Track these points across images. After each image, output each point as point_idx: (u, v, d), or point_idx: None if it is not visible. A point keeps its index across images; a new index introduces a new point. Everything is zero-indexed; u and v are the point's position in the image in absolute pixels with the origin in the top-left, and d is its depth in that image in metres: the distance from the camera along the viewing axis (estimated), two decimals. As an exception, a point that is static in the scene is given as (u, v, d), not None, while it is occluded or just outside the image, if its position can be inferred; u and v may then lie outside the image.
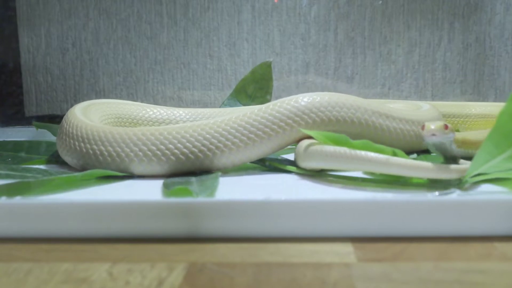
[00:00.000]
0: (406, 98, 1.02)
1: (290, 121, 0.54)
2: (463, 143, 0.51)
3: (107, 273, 0.32)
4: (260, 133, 0.53)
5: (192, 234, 0.37)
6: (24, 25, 1.07)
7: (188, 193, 0.43)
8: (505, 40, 1.01)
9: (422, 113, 0.63)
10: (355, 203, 0.37)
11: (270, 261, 0.33)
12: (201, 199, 0.40)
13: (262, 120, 0.53)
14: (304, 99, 0.55)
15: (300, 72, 1.04)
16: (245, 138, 0.52)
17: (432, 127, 0.44)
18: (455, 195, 0.43)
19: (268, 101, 0.88)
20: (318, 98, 0.55)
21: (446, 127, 0.45)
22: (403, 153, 0.48)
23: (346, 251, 0.35)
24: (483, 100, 1.02)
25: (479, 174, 0.46)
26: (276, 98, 1.03)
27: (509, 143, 0.44)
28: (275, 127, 0.53)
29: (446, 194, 0.43)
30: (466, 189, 0.45)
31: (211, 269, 0.32)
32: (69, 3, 1.06)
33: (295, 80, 1.04)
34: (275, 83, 1.04)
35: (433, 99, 1.02)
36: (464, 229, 0.37)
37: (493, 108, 0.81)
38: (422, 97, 1.03)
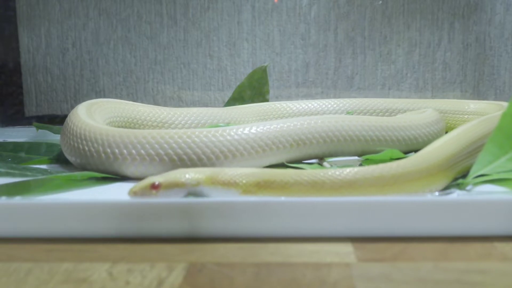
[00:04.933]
0: (406, 98, 1.02)
1: (290, 139, 0.55)
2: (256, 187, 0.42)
3: (107, 273, 0.32)
4: (262, 144, 0.53)
5: (192, 234, 0.37)
6: (24, 25, 1.07)
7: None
8: (505, 40, 1.01)
9: (417, 117, 0.65)
10: (355, 203, 0.37)
11: (270, 261, 0.33)
12: (201, 199, 0.40)
13: (263, 136, 0.54)
14: (305, 122, 0.57)
15: (300, 72, 1.04)
16: (248, 147, 0.53)
17: (133, 188, 0.40)
18: (455, 195, 0.43)
19: (267, 101, 0.88)
20: (325, 120, 0.57)
21: (155, 186, 0.40)
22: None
23: (346, 251, 0.35)
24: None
25: (482, 175, 0.46)
26: (276, 97, 1.03)
27: (512, 144, 0.44)
28: (276, 141, 0.54)
29: (446, 194, 0.43)
30: (466, 189, 0.45)
31: (211, 269, 0.32)
32: (69, 3, 1.06)
33: (295, 80, 1.04)
34: (275, 83, 1.04)
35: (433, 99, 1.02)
36: (464, 229, 0.37)
37: (487, 105, 0.81)
38: (422, 97, 1.03)
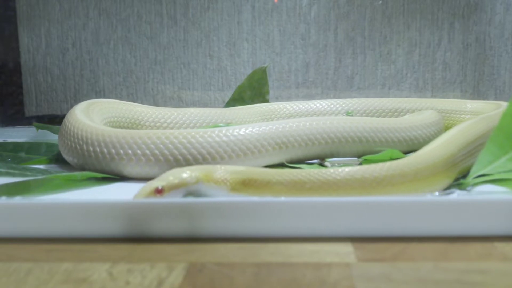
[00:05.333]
0: (406, 98, 1.02)
1: (284, 140, 0.55)
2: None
3: (107, 273, 0.32)
4: (265, 144, 0.54)
5: (192, 234, 0.37)
6: (24, 25, 1.07)
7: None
8: (505, 40, 1.01)
9: (416, 119, 0.65)
10: (355, 203, 0.37)
11: (270, 261, 0.33)
12: (201, 199, 0.40)
13: (259, 136, 0.54)
14: (301, 123, 0.57)
15: (300, 72, 1.04)
16: (251, 147, 0.53)
17: (137, 196, 0.40)
18: (455, 195, 0.43)
19: (267, 101, 0.88)
20: (325, 122, 0.58)
21: (159, 191, 0.40)
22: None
23: (346, 251, 0.35)
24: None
25: (482, 175, 0.46)
26: (276, 98, 1.03)
27: (512, 144, 0.44)
28: (279, 142, 0.55)
29: (446, 194, 0.43)
30: (466, 189, 0.45)
31: (211, 269, 0.32)
32: (69, 3, 1.06)
33: (295, 80, 1.04)
34: (275, 83, 1.04)
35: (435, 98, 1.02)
36: (464, 229, 0.37)
37: (485, 105, 0.81)
38: (422, 97, 1.02)
